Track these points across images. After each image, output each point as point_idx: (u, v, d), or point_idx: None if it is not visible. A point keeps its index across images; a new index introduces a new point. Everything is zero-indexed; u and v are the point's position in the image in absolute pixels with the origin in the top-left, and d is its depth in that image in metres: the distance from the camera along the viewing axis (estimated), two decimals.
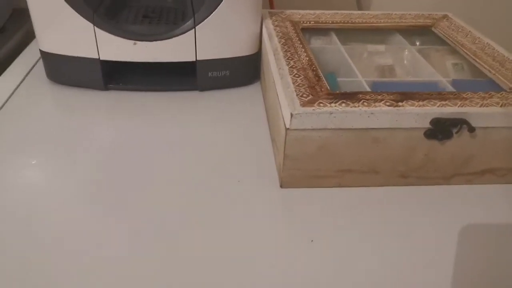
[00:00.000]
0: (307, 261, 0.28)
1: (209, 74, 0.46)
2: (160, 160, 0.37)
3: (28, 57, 0.53)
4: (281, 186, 0.34)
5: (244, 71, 0.48)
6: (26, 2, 0.63)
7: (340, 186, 0.35)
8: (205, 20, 0.43)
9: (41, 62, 0.52)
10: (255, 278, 0.27)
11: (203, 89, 0.47)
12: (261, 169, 0.36)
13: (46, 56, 0.46)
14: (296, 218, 0.32)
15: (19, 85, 0.47)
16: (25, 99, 0.45)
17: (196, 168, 0.36)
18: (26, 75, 0.49)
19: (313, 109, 0.31)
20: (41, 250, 0.28)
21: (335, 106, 0.31)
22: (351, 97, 0.32)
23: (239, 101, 0.47)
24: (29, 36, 0.60)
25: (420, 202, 0.34)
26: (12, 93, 0.46)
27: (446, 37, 0.46)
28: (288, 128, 0.31)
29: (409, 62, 0.43)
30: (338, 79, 0.38)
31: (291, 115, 0.30)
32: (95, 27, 0.42)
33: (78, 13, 0.42)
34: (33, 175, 0.35)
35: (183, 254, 0.28)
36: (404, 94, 0.33)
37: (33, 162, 0.36)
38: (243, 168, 0.36)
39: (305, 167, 0.33)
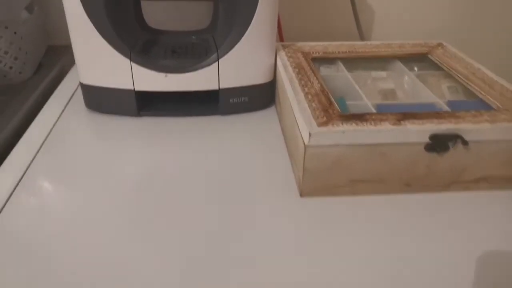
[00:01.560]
0: (326, 256, 0.33)
1: (231, 100, 0.52)
2: (190, 177, 0.42)
3: (66, 90, 0.59)
4: (301, 196, 0.39)
5: (261, 97, 0.54)
6: (59, 40, 0.70)
7: (352, 194, 0.39)
8: (227, 54, 0.49)
9: (77, 93, 0.58)
10: (284, 268, 0.32)
11: (225, 113, 0.53)
12: (282, 182, 0.41)
13: (86, 88, 0.51)
14: (316, 221, 0.37)
15: (61, 114, 0.53)
16: (67, 126, 0.51)
17: (223, 184, 0.41)
18: (66, 105, 0.55)
19: (328, 129, 0.36)
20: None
21: (347, 125, 0.36)
22: (360, 117, 0.38)
23: (257, 123, 0.52)
24: (64, 71, 0.66)
25: (423, 207, 0.39)
26: (56, 121, 0.51)
27: (441, 63, 0.51)
28: (306, 145, 0.36)
29: (408, 86, 0.49)
30: (347, 102, 0.43)
31: (310, 134, 0.36)
32: (131, 62, 0.48)
33: (117, 51, 0.48)
34: (74, 196, 0.39)
35: (223, 253, 0.33)
36: (405, 114, 0.38)
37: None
38: (266, 181, 0.41)
39: (321, 179, 0.38)
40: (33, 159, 0.44)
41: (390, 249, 0.34)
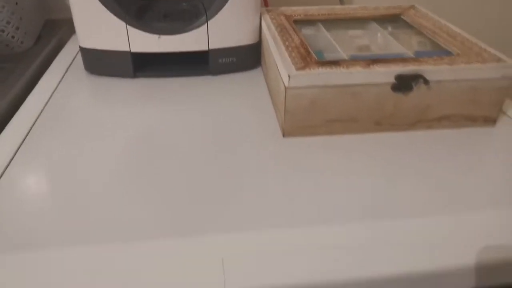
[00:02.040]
0: (305, 184, 0.38)
1: (219, 60, 0.56)
2: (183, 129, 0.46)
3: (66, 57, 0.63)
4: (283, 136, 0.44)
5: (248, 57, 0.58)
6: (56, 14, 0.74)
7: (329, 134, 0.44)
8: (215, 16, 0.53)
9: (77, 60, 0.62)
10: (270, 190, 0.36)
11: (214, 73, 0.57)
12: (268, 127, 0.46)
13: (85, 51, 0.55)
14: (297, 155, 0.41)
15: (62, 78, 0.57)
16: (68, 88, 0.55)
17: (215, 132, 0.45)
18: (66, 70, 0.59)
19: (306, 72, 0.41)
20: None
21: (322, 69, 0.41)
22: (334, 63, 0.42)
23: (245, 81, 0.56)
24: (62, 42, 0.70)
25: (391, 143, 0.43)
26: (57, 84, 0.55)
27: (412, 22, 0.56)
28: (287, 87, 0.41)
29: (382, 41, 0.53)
30: (325, 54, 0.48)
31: (289, 76, 0.40)
32: (127, 25, 0.52)
33: (114, 15, 0.52)
34: (75, 151, 0.43)
35: (218, 185, 0.38)
36: (375, 60, 0.43)
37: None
38: (253, 128, 0.46)
39: (301, 119, 0.43)
40: (36, 120, 0.48)
41: (363, 180, 0.38)
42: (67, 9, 0.69)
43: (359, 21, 0.58)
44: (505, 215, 0.35)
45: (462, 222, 0.34)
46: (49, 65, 0.61)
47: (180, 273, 0.30)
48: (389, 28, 0.57)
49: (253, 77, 0.58)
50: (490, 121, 0.46)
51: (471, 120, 0.45)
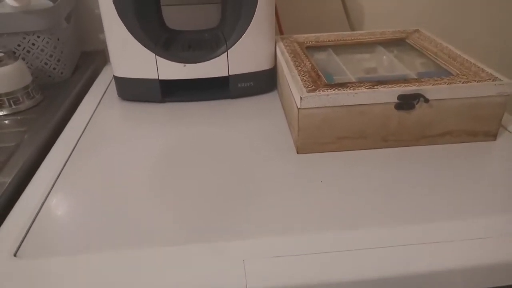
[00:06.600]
0: (318, 194, 0.42)
1: (239, 85, 0.62)
2: (207, 146, 0.51)
3: (100, 85, 0.70)
4: (297, 152, 0.48)
5: (264, 81, 0.63)
6: (91, 46, 0.81)
7: (339, 150, 0.48)
8: (234, 45, 0.59)
9: (110, 88, 0.69)
10: (285, 200, 0.41)
11: (234, 97, 0.63)
12: (283, 145, 0.50)
13: (119, 80, 0.62)
14: (310, 170, 0.46)
15: (98, 104, 0.63)
16: (104, 113, 0.61)
17: (236, 149, 0.50)
18: (102, 97, 0.66)
19: (316, 94, 0.45)
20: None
21: (331, 91, 0.46)
22: (342, 85, 0.47)
23: (262, 104, 0.61)
24: (96, 71, 0.77)
25: (397, 158, 0.47)
26: (94, 110, 0.62)
27: (416, 45, 0.60)
28: (299, 108, 0.46)
29: (387, 64, 0.58)
30: (334, 77, 0.52)
31: (301, 98, 0.45)
32: (156, 55, 0.58)
33: (144, 46, 0.58)
34: (114, 165, 0.50)
35: (240, 195, 0.42)
36: (379, 81, 0.47)
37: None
38: (271, 145, 0.51)
39: (313, 136, 0.47)
40: (79, 139, 0.54)
41: (372, 192, 0.42)
42: (100, 41, 0.76)
43: (366, 46, 0.63)
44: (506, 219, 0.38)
45: (465, 226, 0.38)
46: (86, 93, 0.68)
47: (207, 274, 0.34)
48: (395, 51, 0.62)
49: (269, 99, 0.63)
50: (491, 135, 0.49)
51: (472, 135, 0.49)
